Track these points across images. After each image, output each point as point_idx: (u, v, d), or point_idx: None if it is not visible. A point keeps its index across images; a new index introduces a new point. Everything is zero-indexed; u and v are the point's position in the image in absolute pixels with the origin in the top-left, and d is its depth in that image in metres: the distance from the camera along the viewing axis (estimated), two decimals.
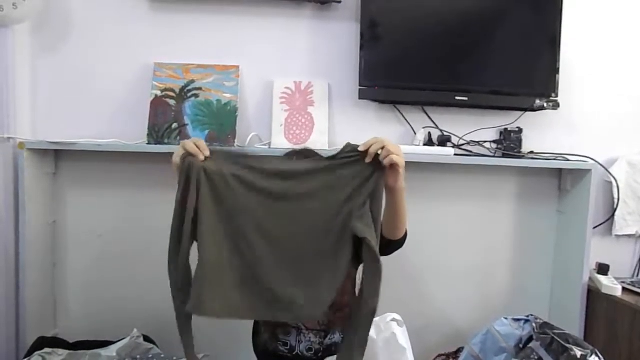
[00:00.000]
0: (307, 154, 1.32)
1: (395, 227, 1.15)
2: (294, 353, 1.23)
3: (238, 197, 1.04)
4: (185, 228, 1.01)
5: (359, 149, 1.05)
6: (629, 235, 1.88)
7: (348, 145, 1.07)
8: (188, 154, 1.03)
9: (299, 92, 1.73)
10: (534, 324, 1.45)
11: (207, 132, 1.63)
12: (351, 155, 1.06)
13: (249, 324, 1.35)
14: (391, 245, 1.18)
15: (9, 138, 1.56)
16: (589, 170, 1.67)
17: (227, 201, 1.04)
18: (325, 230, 1.03)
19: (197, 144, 1.04)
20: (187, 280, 1.03)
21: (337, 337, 1.26)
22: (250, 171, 1.05)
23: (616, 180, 1.81)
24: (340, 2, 1.69)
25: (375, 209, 1.04)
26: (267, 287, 1.02)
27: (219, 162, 1.05)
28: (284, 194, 1.05)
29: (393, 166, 1.02)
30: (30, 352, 1.43)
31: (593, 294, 1.68)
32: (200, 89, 1.66)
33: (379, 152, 1.03)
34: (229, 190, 1.04)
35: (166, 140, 1.62)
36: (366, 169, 1.04)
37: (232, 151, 1.09)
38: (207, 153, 1.04)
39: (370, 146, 1.04)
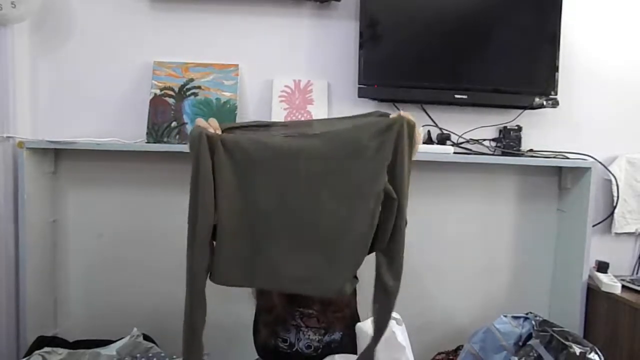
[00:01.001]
0: None
1: None
2: (294, 349, 1.24)
3: (255, 162, 0.98)
4: (203, 201, 0.95)
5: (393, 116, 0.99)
6: (629, 233, 1.88)
7: (377, 111, 1.06)
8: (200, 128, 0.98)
9: (299, 90, 1.73)
10: (533, 322, 1.45)
11: None
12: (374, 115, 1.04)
13: (249, 323, 1.35)
14: None
15: (9, 137, 1.56)
16: (588, 169, 1.67)
17: (245, 168, 0.98)
18: (350, 194, 0.97)
19: (210, 122, 1.00)
20: (206, 264, 0.98)
21: (336, 335, 1.26)
22: (266, 135, 1.01)
23: (616, 179, 1.82)
24: (339, 0, 1.69)
25: (399, 168, 0.97)
26: (286, 259, 0.98)
27: (232, 132, 1.01)
28: (304, 152, 0.98)
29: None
30: (30, 352, 1.43)
31: (593, 292, 1.69)
32: (199, 87, 1.66)
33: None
34: (246, 155, 0.98)
35: (165, 139, 1.62)
36: (387, 122, 0.97)
37: (245, 123, 1.06)
38: (219, 130, 1.00)
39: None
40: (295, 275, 0.99)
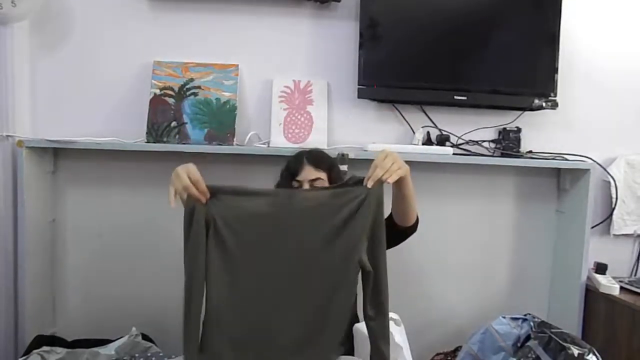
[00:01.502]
0: (317, 154, 1.34)
1: (405, 212, 1.21)
2: None
3: (242, 239, 1.05)
4: (197, 275, 1.03)
5: (365, 182, 1.05)
6: (627, 235, 1.88)
7: (353, 177, 1.09)
8: (192, 198, 1.02)
9: (298, 91, 1.73)
10: (532, 323, 1.46)
11: (206, 130, 1.64)
12: (353, 184, 1.07)
13: None
14: (406, 231, 1.27)
15: (8, 136, 1.56)
16: (587, 170, 1.68)
17: (231, 246, 1.04)
18: (331, 267, 1.04)
19: (195, 183, 1.02)
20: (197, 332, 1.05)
21: None
22: (250, 212, 1.05)
23: (614, 180, 1.82)
24: (339, 1, 1.69)
25: (377, 236, 1.05)
26: (274, 336, 1.04)
27: (219, 203, 1.05)
28: (286, 231, 1.05)
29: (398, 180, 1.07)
30: (28, 351, 1.42)
31: (591, 293, 1.69)
32: (199, 87, 1.66)
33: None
34: (233, 235, 1.04)
35: (165, 139, 1.62)
36: (363, 191, 1.05)
37: (230, 189, 1.08)
38: (208, 195, 1.03)
39: (372, 174, 1.06)
40: (287, 348, 1.04)
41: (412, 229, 1.30)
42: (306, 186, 1.26)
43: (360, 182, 1.06)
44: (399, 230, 1.27)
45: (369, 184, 1.04)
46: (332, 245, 1.04)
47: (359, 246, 1.03)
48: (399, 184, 1.12)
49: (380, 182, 1.04)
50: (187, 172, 1.04)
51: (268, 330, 1.04)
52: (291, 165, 1.32)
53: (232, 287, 1.04)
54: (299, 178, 1.29)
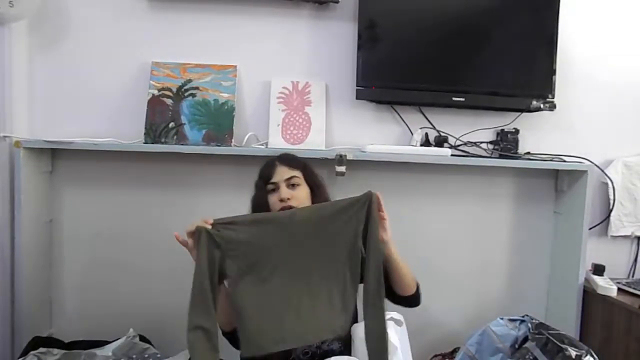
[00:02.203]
0: (287, 156, 1.33)
1: (397, 281, 1.22)
2: (291, 358, 1.22)
3: (256, 257, 1.13)
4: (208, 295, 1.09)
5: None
6: (625, 236, 1.89)
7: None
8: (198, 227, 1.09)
9: (297, 92, 1.73)
10: (529, 324, 1.46)
11: (204, 131, 1.63)
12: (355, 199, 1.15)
13: None
14: (405, 300, 1.27)
15: (6, 136, 1.56)
16: (585, 172, 1.68)
17: (245, 259, 1.12)
18: (335, 258, 1.15)
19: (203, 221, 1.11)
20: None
21: (335, 345, 1.24)
22: (261, 231, 1.13)
23: (612, 182, 1.82)
24: (338, 2, 1.69)
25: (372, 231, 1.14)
26: (298, 322, 1.13)
27: (224, 228, 1.12)
28: (297, 240, 1.14)
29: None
30: (25, 352, 1.42)
31: (589, 295, 1.69)
32: (197, 88, 1.66)
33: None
34: (245, 249, 1.12)
35: (163, 140, 1.61)
36: (362, 202, 1.15)
37: (233, 219, 1.14)
38: (211, 221, 1.11)
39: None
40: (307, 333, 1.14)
41: (414, 298, 1.28)
42: (283, 186, 1.24)
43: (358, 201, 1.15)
44: (400, 299, 1.27)
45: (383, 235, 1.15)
46: (335, 243, 1.14)
47: (358, 236, 1.14)
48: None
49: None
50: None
51: (292, 321, 1.13)
52: (264, 171, 1.29)
53: (258, 299, 1.12)
54: (273, 180, 1.25)
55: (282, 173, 1.26)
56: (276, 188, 1.25)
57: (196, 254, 1.09)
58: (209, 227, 1.09)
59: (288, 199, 1.22)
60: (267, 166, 1.29)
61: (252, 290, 1.11)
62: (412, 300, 1.27)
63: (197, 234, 1.09)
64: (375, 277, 1.11)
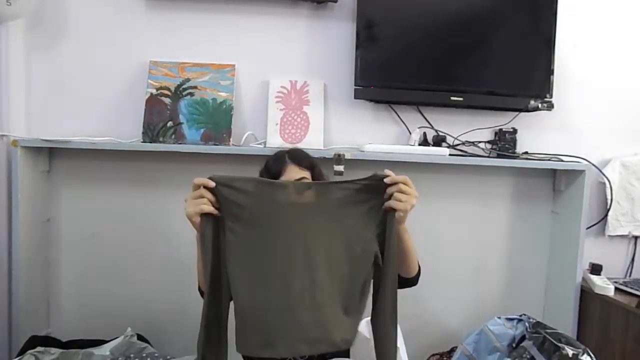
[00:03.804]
0: (298, 153, 1.29)
1: (404, 262, 1.17)
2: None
3: (257, 238, 1.04)
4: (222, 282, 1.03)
5: (386, 180, 1.04)
6: (622, 236, 1.89)
7: (375, 174, 1.06)
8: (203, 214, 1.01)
9: (295, 91, 1.73)
10: (527, 324, 1.46)
11: (202, 130, 1.63)
12: (373, 182, 1.05)
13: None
14: (406, 282, 1.22)
15: (3, 135, 1.55)
16: (582, 171, 1.68)
17: (248, 245, 1.04)
18: (347, 258, 1.05)
19: (203, 194, 1.02)
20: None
21: None
22: (265, 204, 1.04)
23: (609, 181, 1.83)
24: (336, 1, 1.69)
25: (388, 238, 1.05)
26: (297, 326, 1.03)
27: (230, 198, 1.03)
28: (305, 225, 1.04)
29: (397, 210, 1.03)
30: (22, 351, 1.42)
31: (586, 294, 1.69)
32: (195, 87, 1.66)
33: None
34: (248, 234, 1.03)
35: (161, 139, 1.61)
36: (382, 204, 1.05)
37: (236, 180, 1.04)
38: (213, 198, 1.02)
39: (393, 183, 1.03)
40: (308, 340, 1.03)
41: (412, 281, 1.24)
42: None
43: (381, 179, 1.04)
44: (400, 281, 1.19)
45: (393, 205, 1.03)
46: (350, 235, 1.05)
47: (374, 240, 1.05)
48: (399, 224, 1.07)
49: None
50: (193, 196, 1.02)
51: (290, 323, 1.03)
52: (272, 166, 1.24)
53: (255, 285, 1.03)
54: (282, 179, 1.21)
55: (292, 173, 1.22)
56: None
57: (199, 224, 1.02)
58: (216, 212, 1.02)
59: None
60: (277, 161, 1.26)
61: (249, 279, 1.02)
62: (411, 282, 1.24)
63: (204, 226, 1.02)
64: (392, 295, 1.05)
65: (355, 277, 1.05)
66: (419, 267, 1.25)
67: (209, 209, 1.01)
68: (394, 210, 1.03)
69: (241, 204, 1.03)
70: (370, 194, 1.05)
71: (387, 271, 1.04)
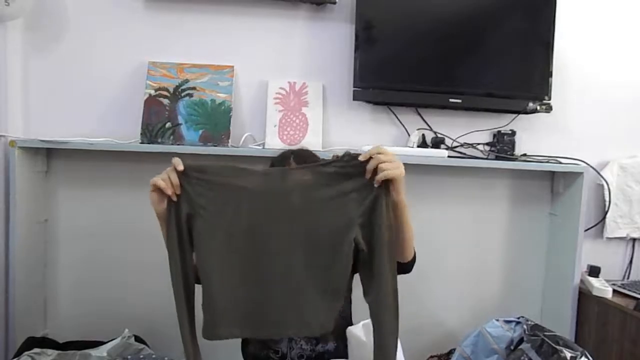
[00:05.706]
0: (303, 154, 1.28)
1: (401, 247, 1.09)
2: None
3: (228, 219, 1.01)
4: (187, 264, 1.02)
5: (360, 158, 0.98)
6: (620, 238, 1.90)
7: (347, 153, 1.01)
8: (166, 198, 1.00)
9: (294, 92, 1.73)
10: (524, 326, 1.46)
11: (201, 132, 1.63)
12: (349, 164, 1.00)
13: None
14: (402, 267, 1.13)
15: (0, 136, 1.55)
16: (580, 173, 1.69)
17: (219, 228, 1.01)
18: (327, 247, 1.01)
19: (169, 173, 0.99)
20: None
21: (330, 345, 1.23)
22: (237, 190, 1.00)
23: (608, 183, 1.83)
24: (335, 3, 1.69)
25: (377, 224, 0.99)
26: (270, 312, 1.02)
27: (202, 185, 1.00)
28: (280, 210, 1.01)
29: (390, 180, 0.97)
30: (19, 353, 1.41)
31: (584, 296, 1.70)
32: (194, 88, 1.65)
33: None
34: (219, 216, 1.01)
35: (159, 140, 1.61)
36: (365, 186, 0.99)
37: (216, 169, 1.02)
38: (177, 180, 0.99)
39: (369, 159, 0.97)
40: (283, 323, 1.02)
41: (407, 267, 1.17)
42: None
43: (354, 158, 0.99)
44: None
45: (367, 176, 0.98)
46: (326, 219, 1.00)
47: (353, 225, 0.99)
48: (394, 206, 1.00)
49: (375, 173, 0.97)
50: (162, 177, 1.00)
51: (264, 306, 1.01)
52: (277, 167, 1.22)
53: (227, 270, 1.01)
54: None
55: None
56: None
57: (164, 215, 1.00)
58: (171, 192, 0.98)
59: None
60: (282, 161, 1.24)
61: (220, 264, 1.00)
62: (406, 268, 1.17)
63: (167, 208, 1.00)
64: (392, 287, 0.99)
65: (332, 262, 1.00)
66: (415, 253, 1.18)
67: (162, 184, 0.98)
68: (387, 182, 0.97)
69: (211, 190, 1.00)
70: (348, 176, 1.00)
71: (382, 258, 0.99)
